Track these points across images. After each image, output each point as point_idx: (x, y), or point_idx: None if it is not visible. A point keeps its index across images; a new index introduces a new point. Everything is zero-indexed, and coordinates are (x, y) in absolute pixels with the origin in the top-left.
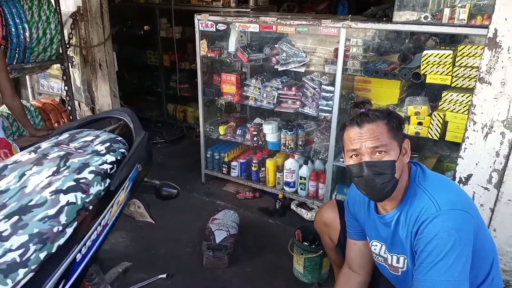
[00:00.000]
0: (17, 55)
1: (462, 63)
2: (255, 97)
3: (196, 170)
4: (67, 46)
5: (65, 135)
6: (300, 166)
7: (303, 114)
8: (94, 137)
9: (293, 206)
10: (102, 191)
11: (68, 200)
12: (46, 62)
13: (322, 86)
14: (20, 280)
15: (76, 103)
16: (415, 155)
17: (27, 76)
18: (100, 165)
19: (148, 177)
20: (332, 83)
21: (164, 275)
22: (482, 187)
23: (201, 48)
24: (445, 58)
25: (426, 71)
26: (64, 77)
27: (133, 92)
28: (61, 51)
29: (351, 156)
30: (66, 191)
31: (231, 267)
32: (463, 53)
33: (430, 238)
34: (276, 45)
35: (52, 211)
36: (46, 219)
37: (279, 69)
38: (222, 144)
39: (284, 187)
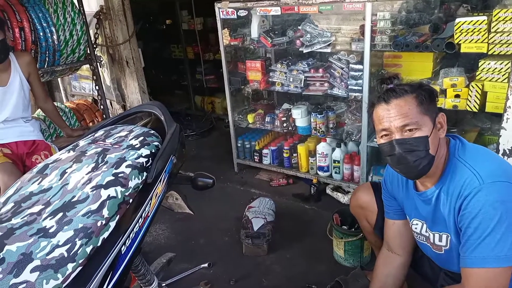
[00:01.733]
0: (47, 59)
1: (498, 28)
2: (281, 82)
3: (229, 160)
4: (94, 46)
5: (100, 132)
6: (333, 150)
7: (332, 96)
8: (128, 132)
9: (328, 191)
10: (140, 184)
11: (109, 195)
12: (76, 63)
13: (350, 65)
14: (70, 274)
15: (108, 102)
16: (454, 130)
17: (59, 79)
18: (136, 159)
19: (183, 170)
20: (361, 61)
21: (206, 264)
22: None
23: (224, 37)
24: (479, 24)
25: (460, 40)
26: (94, 77)
27: (161, 87)
28: (88, 51)
29: (382, 136)
30: (106, 186)
31: (271, 254)
32: (499, 17)
33: (475, 213)
34: (299, 27)
35: (94, 206)
36: (90, 214)
37: (304, 51)
38: (252, 132)
39: (318, 171)
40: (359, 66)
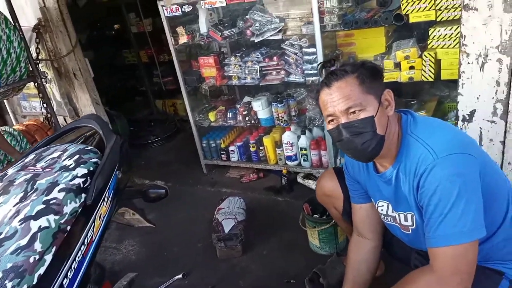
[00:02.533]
0: None
1: None
2: (237, 76)
3: (196, 162)
4: (37, 61)
5: (31, 156)
6: (299, 137)
7: (290, 83)
8: (62, 152)
9: (299, 179)
10: (78, 208)
11: (40, 226)
12: (18, 83)
13: (303, 49)
14: None
15: (62, 118)
16: (413, 102)
17: (5, 101)
18: (70, 181)
19: (150, 179)
20: (313, 44)
21: (180, 275)
22: (488, 121)
23: (180, 34)
24: None
25: (408, 11)
26: (40, 94)
27: (119, 95)
28: (31, 68)
29: (329, 121)
30: (36, 217)
31: (247, 253)
32: None
33: (433, 190)
34: (246, 16)
35: (24, 241)
36: (19, 250)
37: (255, 41)
38: (216, 130)
39: (286, 161)
40: (312, 50)
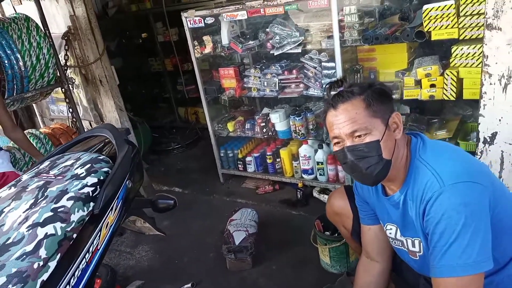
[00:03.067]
0: (15, 86)
1: (467, 11)
2: (257, 87)
3: (214, 171)
4: (64, 68)
5: (46, 163)
6: (316, 151)
7: (308, 97)
8: (75, 160)
9: (315, 194)
10: (85, 217)
11: (47, 233)
12: (46, 88)
13: (322, 63)
14: None
15: (87, 122)
16: (435, 120)
17: (34, 104)
18: (80, 189)
19: (168, 185)
20: (333, 59)
21: (189, 285)
22: (510, 144)
23: (206, 42)
24: (447, 9)
25: (430, 28)
26: (67, 100)
27: (143, 102)
28: (58, 74)
29: (335, 143)
30: (43, 224)
31: (256, 267)
32: (466, 0)
33: (438, 218)
34: (267, 29)
35: (29, 247)
36: (24, 256)
37: (275, 54)
38: (234, 140)
39: (303, 175)
40: (331, 64)
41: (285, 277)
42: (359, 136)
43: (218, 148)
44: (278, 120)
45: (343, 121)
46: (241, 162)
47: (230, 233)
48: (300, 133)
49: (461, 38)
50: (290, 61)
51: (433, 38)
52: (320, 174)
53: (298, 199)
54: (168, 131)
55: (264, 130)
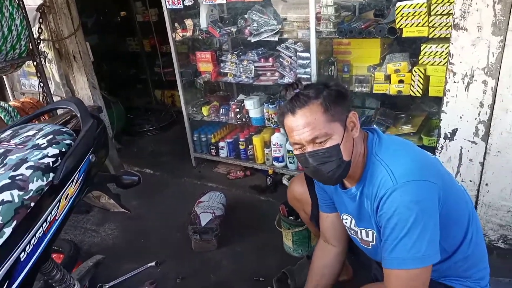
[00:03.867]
0: None
1: (437, 11)
2: (233, 73)
3: (187, 155)
4: (37, 41)
5: (7, 132)
6: (287, 140)
7: (283, 85)
8: (37, 131)
9: (284, 181)
10: (44, 186)
11: (3, 199)
12: (17, 60)
13: (298, 53)
14: None
15: (58, 98)
16: (402, 115)
17: (4, 77)
18: (40, 159)
19: (140, 166)
20: (308, 49)
21: (153, 263)
22: (469, 141)
23: (188, 26)
24: (419, 8)
25: (402, 25)
26: (38, 73)
27: (120, 82)
28: (31, 47)
29: (296, 148)
30: (0, 190)
31: (221, 248)
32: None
33: (390, 214)
34: (245, 16)
35: None
36: None
37: (252, 40)
38: (208, 125)
39: (274, 162)
40: (306, 54)
41: (248, 260)
42: (320, 143)
43: (191, 131)
44: (252, 107)
45: (303, 128)
46: (214, 147)
47: (197, 215)
48: (273, 121)
49: (430, 36)
50: (267, 49)
51: (404, 35)
52: (290, 162)
53: (268, 186)
54: (143, 113)
55: (238, 116)
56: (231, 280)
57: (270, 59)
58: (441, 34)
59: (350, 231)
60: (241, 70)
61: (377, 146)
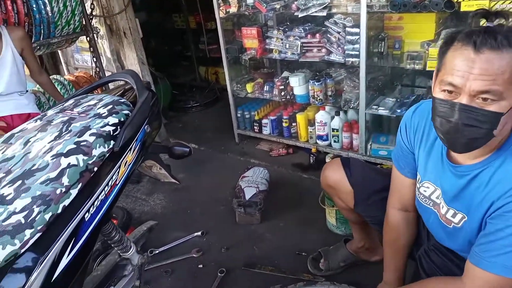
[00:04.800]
0: (42, 31)
1: None
2: (278, 49)
3: (230, 131)
4: (90, 17)
5: (70, 101)
6: (332, 118)
7: (330, 62)
8: (98, 101)
9: (328, 160)
10: (106, 153)
11: (70, 163)
12: (71, 35)
13: (347, 28)
14: (28, 240)
15: (109, 73)
16: None
17: (59, 52)
18: (101, 127)
19: (184, 141)
20: (358, 24)
21: (199, 233)
22: None
23: (232, 3)
24: None
25: None
26: (91, 48)
27: (165, 58)
28: (84, 23)
29: (443, 90)
30: (66, 154)
31: (264, 222)
32: None
33: None
34: None
35: (53, 174)
36: (48, 181)
37: (299, 16)
38: (252, 102)
39: (317, 140)
40: (355, 30)
41: (290, 234)
42: (485, 99)
43: (235, 108)
44: (297, 84)
45: (479, 73)
46: (257, 124)
47: (241, 188)
48: (318, 98)
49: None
50: (314, 24)
51: (463, 9)
52: (335, 141)
53: (310, 164)
54: (187, 89)
55: (283, 93)
56: (273, 253)
57: (317, 35)
58: (504, 8)
59: (426, 200)
60: (287, 46)
61: None
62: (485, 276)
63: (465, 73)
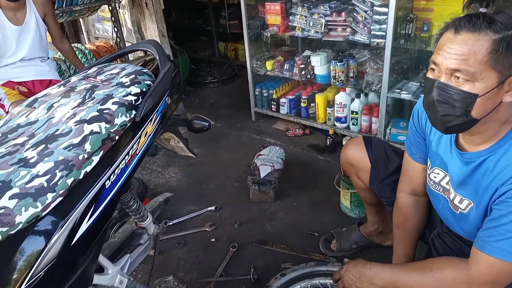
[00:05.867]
0: None
1: None
2: (301, 27)
3: (247, 109)
4: None
5: (93, 69)
6: (352, 100)
7: (355, 42)
8: (120, 70)
9: (344, 142)
10: (127, 122)
11: (92, 130)
12: (94, 3)
13: (374, 8)
14: (50, 203)
15: (129, 44)
16: None
17: (81, 21)
18: (124, 96)
19: (201, 116)
20: (386, 4)
21: (213, 207)
22: None
23: None
24: None
25: None
26: (113, 18)
27: (185, 32)
28: None
29: (431, 68)
30: (89, 121)
31: (277, 201)
32: None
33: None
34: None
35: (76, 140)
36: (71, 147)
37: None
38: (271, 80)
39: (335, 122)
40: (384, 9)
41: (303, 214)
42: (457, 78)
43: (253, 85)
44: (318, 63)
45: (454, 52)
46: (275, 103)
47: (257, 166)
48: (340, 79)
49: None
50: (340, 2)
51: None
52: (353, 124)
53: (327, 146)
54: (206, 65)
55: (303, 72)
56: (286, 232)
57: (343, 13)
58: None
59: (436, 186)
60: (311, 24)
61: None
62: (489, 261)
63: (444, 52)
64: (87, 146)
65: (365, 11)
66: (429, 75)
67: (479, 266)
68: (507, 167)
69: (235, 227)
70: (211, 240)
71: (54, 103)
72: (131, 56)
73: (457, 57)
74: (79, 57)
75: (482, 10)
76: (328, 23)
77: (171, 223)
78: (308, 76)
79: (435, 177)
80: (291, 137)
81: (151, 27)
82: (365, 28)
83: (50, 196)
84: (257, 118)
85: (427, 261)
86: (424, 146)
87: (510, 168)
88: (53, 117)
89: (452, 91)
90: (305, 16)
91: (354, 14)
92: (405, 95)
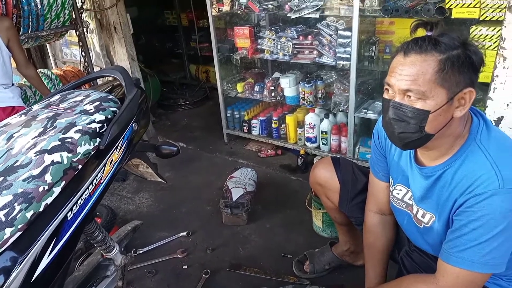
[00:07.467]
0: (30, 23)
1: None
2: (270, 50)
3: (219, 131)
4: (80, 10)
5: (56, 97)
6: (321, 120)
7: (321, 64)
8: (84, 97)
9: (315, 161)
10: (91, 150)
11: (53, 160)
12: (60, 28)
13: (339, 31)
14: (8, 239)
15: (98, 68)
16: None
17: (48, 45)
18: (87, 124)
19: (173, 139)
20: (350, 28)
21: (185, 233)
22: None
23: (225, 1)
24: None
25: (452, 5)
26: (80, 43)
27: (156, 55)
28: (74, 16)
29: (386, 89)
30: (50, 151)
31: (250, 223)
32: None
33: (479, 215)
34: None
35: (36, 171)
36: (31, 178)
37: (292, 17)
38: (242, 102)
39: (306, 142)
40: (347, 33)
41: (277, 236)
42: (409, 97)
43: (225, 107)
44: (287, 85)
45: (404, 74)
46: (247, 124)
47: (229, 189)
48: (308, 100)
49: (481, 18)
50: (307, 26)
51: (454, 15)
52: (323, 143)
53: (298, 165)
54: (177, 87)
55: (273, 94)
56: (259, 255)
57: (309, 36)
58: (493, 17)
59: (399, 203)
60: (279, 47)
61: (482, 134)
62: (455, 272)
63: (395, 74)
64: (48, 177)
65: (330, 35)
66: (385, 95)
67: (446, 278)
68: (463, 179)
69: (207, 252)
70: (183, 267)
71: (14, 133)
72: (99, 80)
73: (408, 78)
74: (45, 83)
75: (428, 33)
76: (296, 46)
77: (141, 251)
78: (278, 98)
79: (397, 193)
80: (264, 158)
81: (120, 51)
82: (331, 51)
83: (8, 231)
84: (229, 139)
85: (396, 280)
86: (386, 164)
87: (467, 180)
88: (13, 147)
89: (406, 109)
90: (273, 40)
91: (320, 37)
92: (371, 115)
